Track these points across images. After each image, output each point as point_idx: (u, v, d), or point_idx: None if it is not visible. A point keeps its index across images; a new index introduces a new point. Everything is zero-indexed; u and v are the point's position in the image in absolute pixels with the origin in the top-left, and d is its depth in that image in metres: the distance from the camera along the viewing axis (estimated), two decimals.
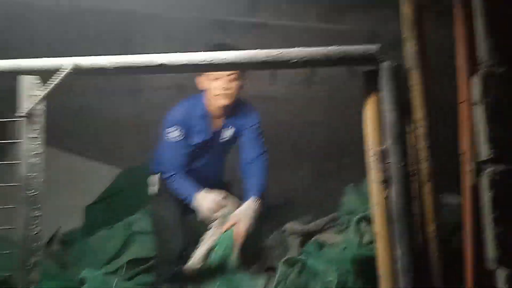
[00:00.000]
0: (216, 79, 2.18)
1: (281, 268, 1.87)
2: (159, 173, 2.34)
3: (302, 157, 3.15)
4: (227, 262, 2.07)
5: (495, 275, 1.12)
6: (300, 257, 1.90)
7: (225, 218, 2.17)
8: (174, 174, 2.24)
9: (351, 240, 1.80)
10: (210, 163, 2.33)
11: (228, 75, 2.17)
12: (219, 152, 2.36)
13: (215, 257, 2.10)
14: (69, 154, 3.28)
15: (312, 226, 2.30)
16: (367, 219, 1.81)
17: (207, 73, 2.16)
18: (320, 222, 2.28)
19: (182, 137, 2.22)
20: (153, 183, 2.37)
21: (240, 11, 3.12)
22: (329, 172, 3.00)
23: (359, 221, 1.82)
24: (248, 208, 2.13)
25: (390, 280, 1.19)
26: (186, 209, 2.27)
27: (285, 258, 1.91)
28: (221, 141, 2.32)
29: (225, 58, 1.27)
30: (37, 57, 1.31)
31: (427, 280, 1.19)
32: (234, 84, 2.20)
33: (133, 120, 3.28)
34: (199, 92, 2.28)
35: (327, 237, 2.16)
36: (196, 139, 2.26)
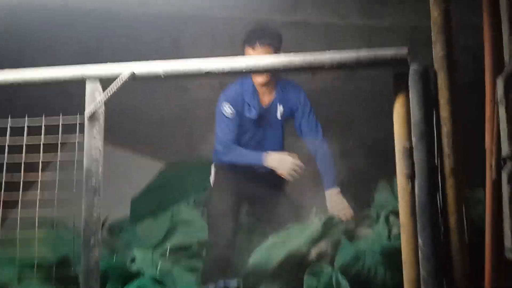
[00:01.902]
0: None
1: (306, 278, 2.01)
2: (215, 163, 2.59)
3: (338, 153, 3.29)
4: None
5: None
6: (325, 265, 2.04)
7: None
8: (226, 147, 2.46)
9: (380, 233, 1.94)
10: (269, 139, 2.57)
11: (260, 53, 2.40)
12: (275, 128, 2.58)
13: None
14: (118, 149, 3.58)
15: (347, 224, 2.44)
16: (396, 214, 1.94)
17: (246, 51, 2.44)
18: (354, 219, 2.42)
19: (233, 115, 2.47)
20: (211, 173, 2.63)
21: (282, 9, 3.29)
22: (364, 167, 3.13)
23: (388, 215, 1.96)
24: (338, 197, 2.42)
25: (413, 268, 1.35)
26: (240, 202, 2.54)
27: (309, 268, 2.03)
28: (276, 117, 2.56)
29: (264, 64, 1.47)
30: (95, 62, 1.56)
31: (449, 269, 1.34)
32: None
33: (178, 117, 3.54)
34: None
35: (359, 230, 2.30)
36: (249, 115, 2.51)
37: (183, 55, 1.63)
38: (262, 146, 2.53)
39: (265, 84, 2.51)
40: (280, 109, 2.56)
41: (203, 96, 3.27)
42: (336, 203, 2.41)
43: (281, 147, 2.62)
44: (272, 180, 2.53)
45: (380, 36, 3.16)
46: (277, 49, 2.47)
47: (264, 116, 2.54)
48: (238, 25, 3.28)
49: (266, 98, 2.55)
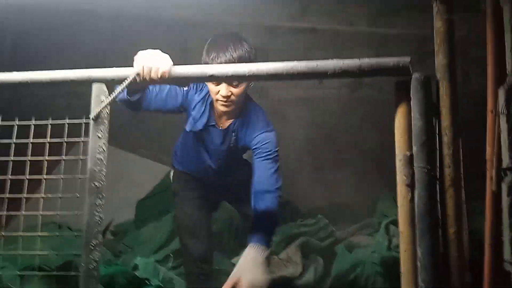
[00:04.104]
0: (216, 84, 2.02)
1: None
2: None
3: (344, 161, 3.30)
4: None
5: (510, 276, 1.25)
6: None
7: None
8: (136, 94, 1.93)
9: (380, 243, 1.94)
10: (225, 166, 2.26)
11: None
12: (231, 156, 2.24)
13: None
14: (125, 153, 3.63)
15: (345, 233, 2.45)
16: (397, 223, 1.94)
17: None
18: (352, 228, 2.43)
19: (174, 94, 2.10)
20: (171, 176, 2.49)
21: (290, 15, 3.32)
22: (368, 176, 3.13)
23: (388, 225, 1.96)
24: (250, 259, 1.83)
25: (411, 277, 1.35)
26: (209, 208, 2.34)
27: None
28: (230, 145, 2.19)
29: (266, 70, 1.49)
30: (102, 66, 1.59)
31: (447, 279, 1.34)
32: (236, 91, 2.03)
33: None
34: None
35: (359, 239, 2.31)
36: (195, 126, 2.18)
37: (191, 61, 1.65)
38: (220, 179, 2.24)
39: (227, 113, 2.11)
40: (233, 137, 2.16)
41: None
42: (245, 264, 1.82)
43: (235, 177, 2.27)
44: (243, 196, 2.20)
45: (388, 45, 3.18)
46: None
47: (211, 135, 2.18)
48: (247, 31, 3.33)
49: (225, 120, 2.16)
